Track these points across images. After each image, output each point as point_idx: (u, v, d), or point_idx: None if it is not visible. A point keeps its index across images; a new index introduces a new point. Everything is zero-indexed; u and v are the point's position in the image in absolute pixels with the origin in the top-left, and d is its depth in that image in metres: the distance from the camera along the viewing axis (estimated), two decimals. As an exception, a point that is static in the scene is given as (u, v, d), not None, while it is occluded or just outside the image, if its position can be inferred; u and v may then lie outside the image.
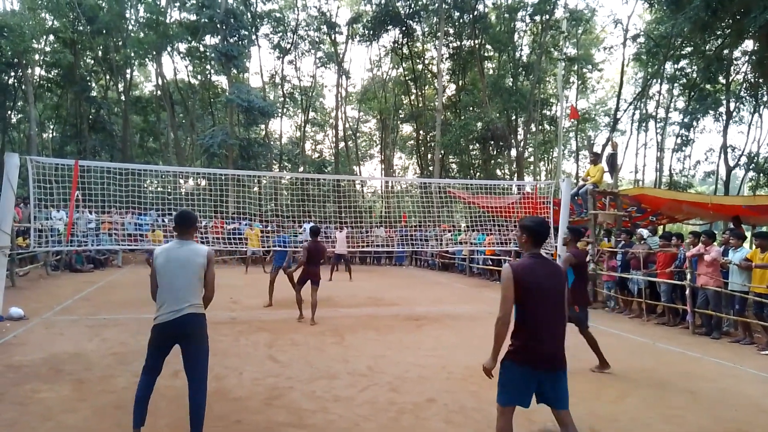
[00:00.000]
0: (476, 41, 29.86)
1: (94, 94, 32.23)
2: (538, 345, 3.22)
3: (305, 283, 9.01)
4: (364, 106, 39.99)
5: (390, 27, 31.33)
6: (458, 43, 31.46)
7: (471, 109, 31.73)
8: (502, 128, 27.65)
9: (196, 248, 3.92)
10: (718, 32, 19.62)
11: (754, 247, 8.58)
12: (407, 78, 34.70)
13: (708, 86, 24.54)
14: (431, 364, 6.44)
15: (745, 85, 24.06)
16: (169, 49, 30.71)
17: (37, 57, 29.07)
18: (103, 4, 28.63)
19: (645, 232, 11.40)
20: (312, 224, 11.37)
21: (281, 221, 14.90)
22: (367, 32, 32.32)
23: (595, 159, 12.84)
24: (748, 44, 21.25)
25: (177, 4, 29.83)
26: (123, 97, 32.81)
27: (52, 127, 35.43)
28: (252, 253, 17.92)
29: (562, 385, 3.31)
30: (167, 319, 3.78)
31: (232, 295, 11.89)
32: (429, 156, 34.33)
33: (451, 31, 31.25)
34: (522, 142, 31.71)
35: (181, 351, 3.86)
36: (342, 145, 37.37)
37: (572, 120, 31.00)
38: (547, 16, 27.53)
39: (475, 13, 28.63)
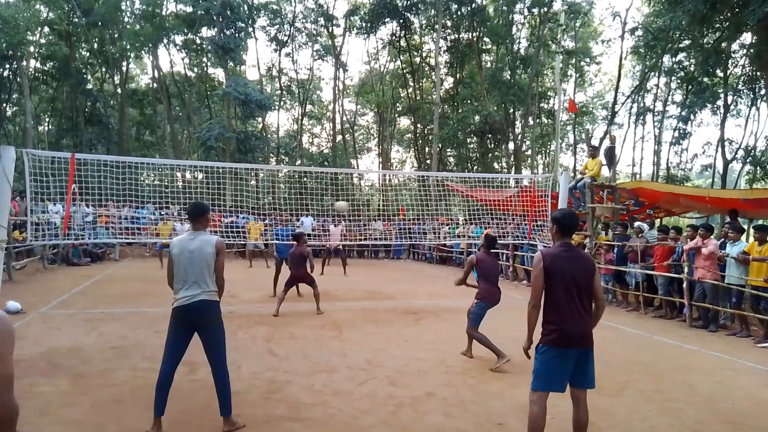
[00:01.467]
0: (474, 34, 29.77)
1: (90, 86, 32.06)
2: (567, 326, 3.47)
3: (292, 285, 9.54)
4: (362, 99, 39.85)
5: (388, 19, 31.16)
6: (456, 35, 31.36)
7: (469, 102, 31.69)
8: (500, 121, 27.63)
9: (206, 238, 4.14)
10: (717, 25, 19.57)
11: (752, 239, 8.60)
12: (405, 71, 34.55)
13: (706, 79, 24.55)
14: (430, 358, 6.45)
15: (743, 78, 24.06)
16: (165, 41, 30.56)
17: (32, 49, 28.88)
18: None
19: (645, 226, 11.42)
20: (299, 225, 11.41)
21: (278, 215, 14.90)
22: (364, 25, 32.17)
23: (593, 152, 12.82)
24: (747, 37, 21.23)
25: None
26: (119, 90, 32.64)
27: (47, 120, 35.29)
28: (254, 246, 17.87)
29: (590, 364, 3.57)
30: (181, 304, 4.03)
31: (230, 288, 11.87)
32: (427, 149, 34.28)
33: (449, 23, 31.12)
34: (520, 136, 31.70)
35: (200, 337, 4.11)
36: (339, 138, 37.27)
37: (570, 113, 30.97)
38: (546, 9, 27.45)
39: (473, 5, 28.52)
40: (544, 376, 3.53)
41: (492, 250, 6.85)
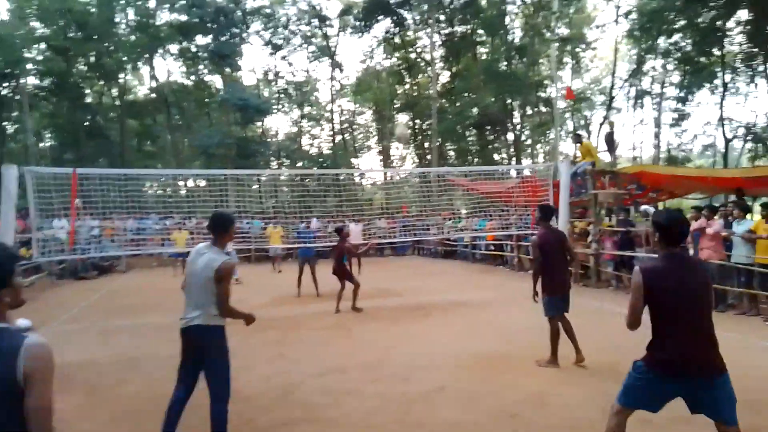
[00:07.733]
0: (468, 27, 29.72)
1: (88, 100, 32.17)
2: (679, 355, 2.87)
3: (343, 280, 9.66)
4: (359, 98, 39.83)
5: (381, 17, 31.17)
6: (450, 29, 31.31)
7: (466, 95, 31.63)
8: (498, 112, 27.61)
9: (212, 258, 3.60)
10: (711, 3, 19.47)
11: (759, 217, 8.58)
12: (401, 67, 34.55)
13: (703, 59, 24.42)
14: (440, 353, 6.46)
15: (740, 56, 23.93)
16: (161, 50, 30.63)
17: (29, 66, 28.99)
18: (93, 10, 28.50)
19: (650, 209, 11.40)
20: (344, 224, 11.74)
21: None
22: (358, 23, 32.19)
23: (577, 139, 12.85)
24: (742, 14, 21.12)
25: (166, 6, 29.68)
26: (118, 102, 32.77)
27: (49, 135, 35.39)
28: (276, 251, 17.94)
29: (722, 393, 2.83)
30: (181, 326, 3.70)
31: (239, 294, 11.92)
32: (426, 144, 34.26)
33: (443, 17, 31.09)
34: (518, 126, 31.67)
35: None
36: (339, 138, 37.28)
37: (568, 100, 30.89)
38: (538, -3, 27.39)
39: (465, -2, 28.50)
40: (630, 395, 3.01)
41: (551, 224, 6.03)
